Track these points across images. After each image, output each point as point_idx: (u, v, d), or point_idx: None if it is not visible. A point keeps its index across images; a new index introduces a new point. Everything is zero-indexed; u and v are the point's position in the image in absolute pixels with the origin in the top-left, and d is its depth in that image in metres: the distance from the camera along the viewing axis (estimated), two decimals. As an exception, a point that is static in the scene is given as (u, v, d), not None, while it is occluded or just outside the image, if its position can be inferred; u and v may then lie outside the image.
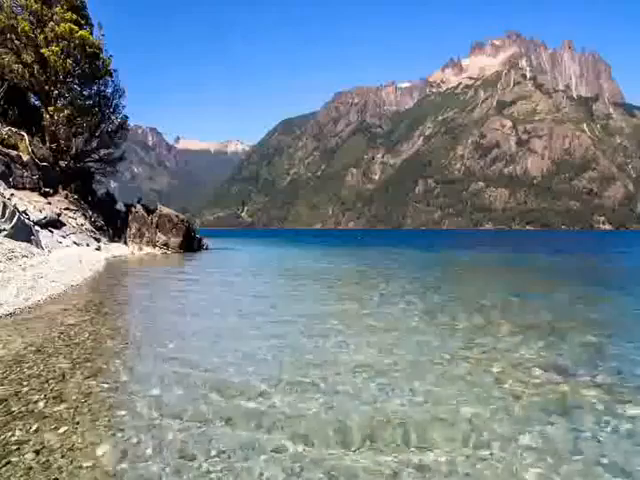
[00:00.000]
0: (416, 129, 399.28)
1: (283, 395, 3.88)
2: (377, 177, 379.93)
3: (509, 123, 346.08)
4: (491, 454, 2.94)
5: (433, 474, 2.72)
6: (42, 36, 20.57)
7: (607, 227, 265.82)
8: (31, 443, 2.97)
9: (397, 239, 61.87)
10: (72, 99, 23.16)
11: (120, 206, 25.37)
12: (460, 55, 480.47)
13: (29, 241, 13.36)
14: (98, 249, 18.52)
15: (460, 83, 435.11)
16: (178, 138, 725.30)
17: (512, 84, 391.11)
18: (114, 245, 21.17)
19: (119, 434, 3.13)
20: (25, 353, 4.88)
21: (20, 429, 3.15)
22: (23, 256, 11.07)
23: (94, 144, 24.95)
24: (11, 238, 12.24)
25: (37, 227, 15.63)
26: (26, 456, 2.81)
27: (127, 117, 26.15)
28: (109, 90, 24.71)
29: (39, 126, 22.20)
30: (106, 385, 4.03)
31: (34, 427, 3.18)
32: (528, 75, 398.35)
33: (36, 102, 24.00)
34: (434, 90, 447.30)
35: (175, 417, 3.42)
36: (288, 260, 21.74)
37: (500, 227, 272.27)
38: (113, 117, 25.44)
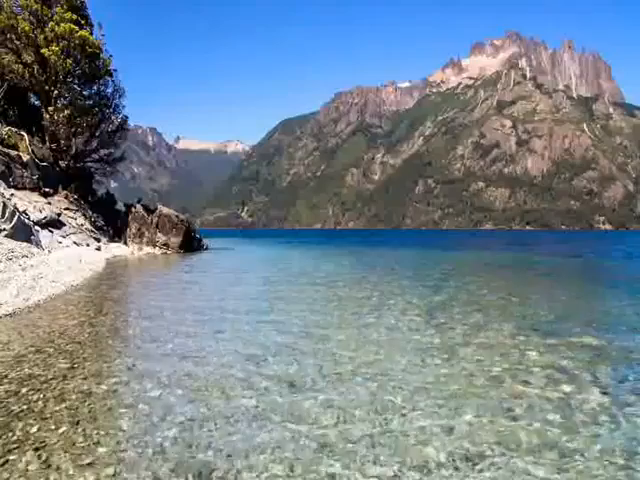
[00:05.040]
0: (416, 129, 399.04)
1: (281, 396, 3.89)
2: (377, 177, 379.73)
3: (509, 123, 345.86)
4: (491, 454, 2.94)
5: (433, 474, 2.73)
6: (42, 36, 20.58)
7: (607, 227, 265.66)
8: (31, 442, 2.98)
9: (398, 239, 61.88)
10: (72, 99, 23.17)
11: (120, 206, 25.38)
12: (460, 55, 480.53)
13: (29, 241, 13.36)
14: (98, 249, 18.52)
15: (460, 83, 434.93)
16: (178, 138, 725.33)
17: (512, 84, 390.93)
18: (114, 245, 21.17)
19: (120, 434, 3.14)
20: (25, 353, 4.89)
21: (20, 429, 3.15)
22: (23, 256, 11.07)
23: (94, 144, 24.98)
24: (11, 238, 12.24)
25: (37, 227, 15.63)
26: (26, 455, 2.82)
27: (127, 117, 26.22)
28: (109, 90, 24.79)
29: (39, 126, 22.21)
30: (106, 385, 4.04)
31: (34, 427, 3.18)
32: (528, 75, 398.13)
33: (36, 102, 24.02)
34: (434, 90, 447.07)
35: (176, 417, 3.42)
36: (288, 260, 21.74)
37: (500, 227, 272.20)
38: (113, 117, 25.48)
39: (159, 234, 22.46)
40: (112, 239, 22.27)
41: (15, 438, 3.02)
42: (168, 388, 3.98)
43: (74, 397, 3.72)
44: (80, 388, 3.92)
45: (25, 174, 19.14)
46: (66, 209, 19.99)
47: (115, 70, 24.21)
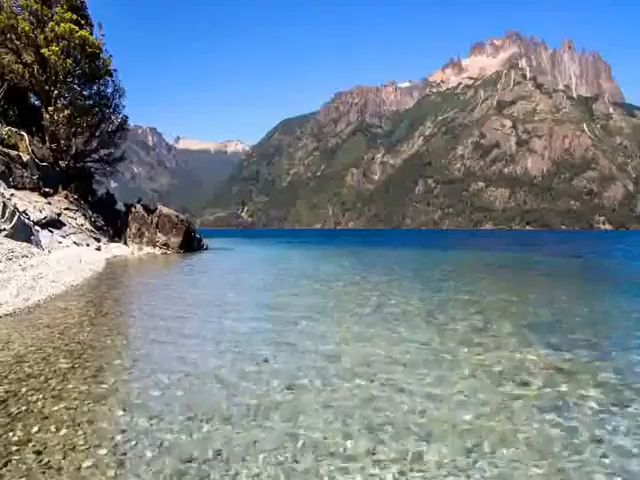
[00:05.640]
0: (416, 129, 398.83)
1: (280, 397, 3.89)
2: (377, 177, 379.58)
3: (509, 123, 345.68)
4: (491, 454, 2.94)
5: (434, 474, 2.72)
6: (42, 36, 20.57)
7: (607, 227, 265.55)
8: (32, 443, 2.97)
9: (398, 239, 61.85)
10: (72, 99, 23.17)
11: (120, 206, 25.37)
12: (460, 55, 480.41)
13: (29, 241, 13.36)
14: (98, 249, 18.52)
15: (460, 83, 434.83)
16: (178, 138, 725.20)
17: (512, 84, 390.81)
18: (114, 245, 21.16)
19: (120, 435, 3.13)
20: (25, 353, 4.88)
21: (21, 429, 3.15)
22: (23, 256, 11.07)
23: (94, 144, 24.98)
24: (11, 238, 12.24)
25: (37, 227, 15.63)
26: (27, 456, 2.82)
27: (127, 117, 26.21)
28: (109, 90, 24.79)
29: (39, 126, 22.20)
30: (106, 385, 4.04)
31: (35, 427, 3.18)
32: (528, 75, 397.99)
33: (36, 102, 24.02)
34: (434, 90, 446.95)
35: (175, 417, 3.42)
36: (288, 261, 21.74)
37: (500, 227, 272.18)
38: (113, 117, 25.47)
39: (159, 234, 22.46)
40: (112, 239, 22.26)
41: (16, 439, 3.02)
42: (168, 389, 3.98)
43: (74, 397, 3.72)
44: (80, 388, 3.92)
45: (25, 174, 19.14)
46: (66, 209, 19.98)
47: (115, 70, 24.24)
